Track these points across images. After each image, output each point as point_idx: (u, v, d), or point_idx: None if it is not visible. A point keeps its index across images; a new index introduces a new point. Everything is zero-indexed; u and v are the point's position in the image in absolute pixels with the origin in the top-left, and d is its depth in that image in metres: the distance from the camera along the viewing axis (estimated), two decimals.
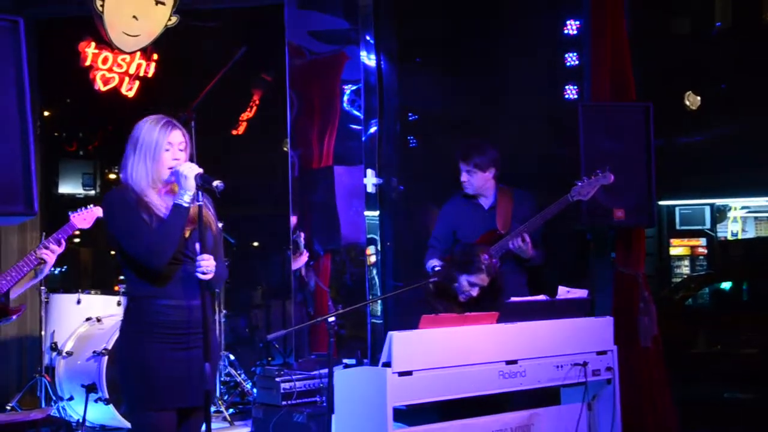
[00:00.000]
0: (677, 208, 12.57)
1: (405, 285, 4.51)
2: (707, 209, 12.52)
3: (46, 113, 8.71)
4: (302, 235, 6.54)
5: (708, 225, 12.52)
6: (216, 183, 3.25)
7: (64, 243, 3.91)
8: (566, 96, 6.63)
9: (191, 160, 3.41)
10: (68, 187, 9.59)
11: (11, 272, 3.76)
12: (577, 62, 6.28)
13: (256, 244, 8.25)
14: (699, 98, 9.86)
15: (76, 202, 8.40)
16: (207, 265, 3.27)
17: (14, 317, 3.80)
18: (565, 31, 6.53)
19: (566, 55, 6.63)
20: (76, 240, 9.72)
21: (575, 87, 6.36)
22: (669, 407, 5.30)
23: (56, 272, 10.03)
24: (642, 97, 5.45)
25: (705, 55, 9.83)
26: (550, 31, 6.53)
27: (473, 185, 5.09)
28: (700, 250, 12.61)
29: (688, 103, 9.83)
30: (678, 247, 12.66)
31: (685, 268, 12.61)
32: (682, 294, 10.52)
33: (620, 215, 5.10)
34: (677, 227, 12.63)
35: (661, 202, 12.42)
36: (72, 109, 8.75)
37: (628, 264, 5.31)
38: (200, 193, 3.31)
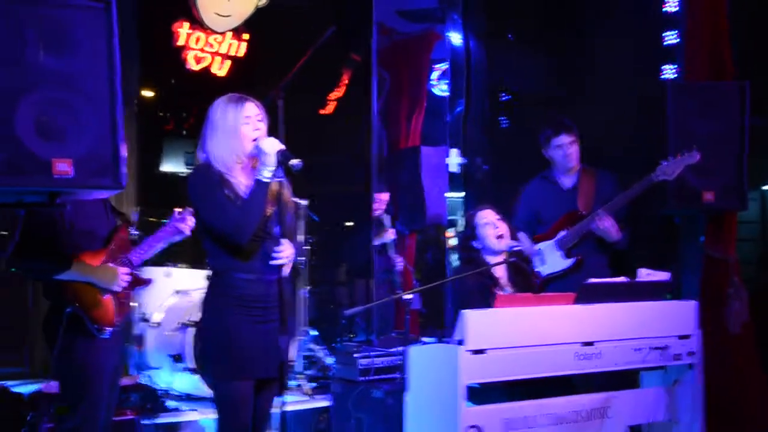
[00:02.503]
0: None
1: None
2: None
3: (148, 93, 9.00)
4: (388, 217, 6.59)
5: None
6: (294, 161, 3.33)
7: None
8: (663, 76, 6.46)
9: (277, 137, 3.49)
10: (170, 165, 9.87)
11: (150, 241, 4.00)
12: (676, 41, 6.10)
13: (349, 223, 8.35)
14: None
15: (179, 180, 8.64)
16: (284, 256, 3.36)
17: (146, 287, 4.08)
18: (664, 9, 6.35)
19: (664, 34, 6.45)
20: None
21: (674, 66, 6.18)
22: (763, 396, 5.14)
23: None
24: (745, 76, 5.24)
25: None
26: (649, 8, 6.36)
27: (576, 155, 5.04)
28: None
29: None
30: None
31: None
32: None
33: (710, 198, 4.94)
34: None
35: (765, 187, 11.96)
36: (173, 88, 9.00)
37: (718, 248, 5.16)
38: (281, 169, 3.39)
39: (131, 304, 3.97)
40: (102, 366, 3.70)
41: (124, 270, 3.81)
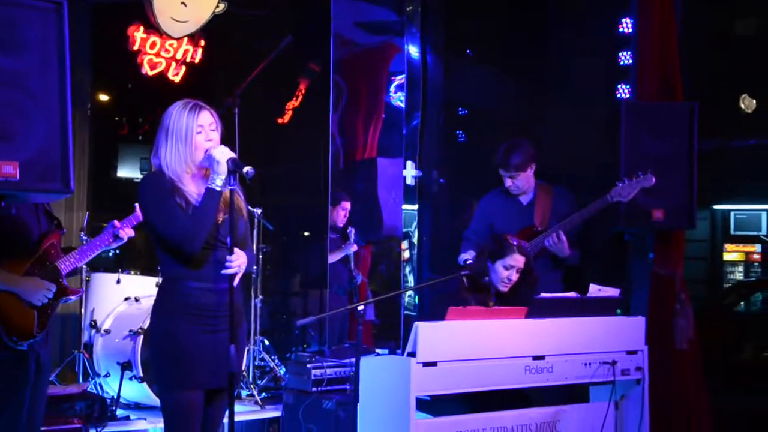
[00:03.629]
0: (732, 213, 12.35)
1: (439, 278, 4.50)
2: (764, 215, 12.27)
3: (104, 97, 8.89)
4: (353, 230, 6.59)
5: (764, 231, 12.28)
6: (247, 169, 3.29)
7: (132, 229, 4.04)
8: (618, 95, 6.56)
9: (232, 145, 3.45)
10: (126, 170, 9.77)
11: (85, 250, 3.89)
12: (630, 61, 6.19)
13: (306, 233, 8.32)
14: (754, 101, 9.64)
15: (133, 185, 8.55)
16: (236, 265, 3.33)
17: (73, 298, 3.90)
18: (620, 29, 6.44)
19: (620, 54, 6.55)
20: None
21: (628, 86, 6.28)
22: (704, 413, 5.23)
23: (110, 254, 10.24)
24: (697, 98, 5.36)
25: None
26: (606, 29, 6.45)
27: (519, 187, 5.09)
28: (755, 256, 12.39)
29: (743, 106, 9.62)
30: (732, 253, 12.46)
31: (738, 274, 12.42)
32: (731, 299, 10.35)
33: (659, 216, 5.04)
34: (732, 232, 12.41)
35: (716, 207, 12.23)
36: (128, 93, 8.92)
37: (665, 265, 5.25)
38: (232, 177, 3.36)
39: (55, 313, 3.76)
40: (18, 377, 3.53)
41: (49, 284, 3.61)
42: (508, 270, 4.35)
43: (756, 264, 12.45)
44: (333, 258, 6.59)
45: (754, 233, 12.39)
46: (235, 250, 3.35)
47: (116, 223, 3.96)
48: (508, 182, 5.09)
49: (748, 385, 7.22)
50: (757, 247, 12.43)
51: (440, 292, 4.72)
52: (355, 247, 6.58)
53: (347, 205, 6.77)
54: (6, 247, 3.53)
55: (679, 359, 5.14)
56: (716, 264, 12.65)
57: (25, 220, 3.62)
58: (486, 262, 4.41)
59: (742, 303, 10.48)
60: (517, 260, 4.35)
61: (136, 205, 4.10)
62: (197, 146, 3.37)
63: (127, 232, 3.95)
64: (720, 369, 6.86)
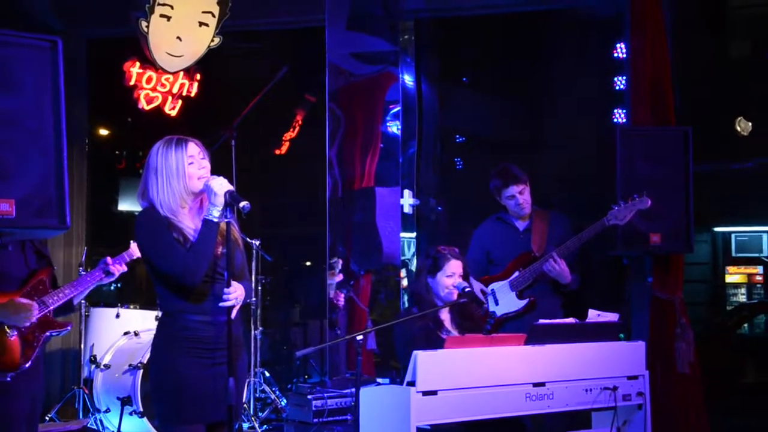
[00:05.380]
0: (733, 235, 12.33)
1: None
2: (765, 236, 12.25)
3: (102, 132, 8.94)
4: (340, 261, 6.59)
5: (765, 252, 12.25)
6: (243, 204, 3.30)
7: (125, 265, 4.06)
8: (614, 119, 6.59)
9: (229, 177, 3.46)
10: (125, 204, 9.80)
11: (75, 285, 3.89)
12: (625, 86, 6.22)
13: (308, 263, 8.33)
14: (750, 124, 9.68)
15: (132, 219, 8.59)
16: (233, 297, 3.33)
17: (60, 332, 3.88)
18: (615, 54, 6.48)
19: (615, 79, 6.59)
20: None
21: (624, 111, 6.31)
22: None
23: (112, 288, 10.24)
24: (694, 122, 5.39)
25: (762, 79, 9.68)
26: (601, 54, 6.50)
27: (527, 202, 5.05)
28: (757, 278, 12.35)
29: (739, 128, 9.66)
30: (734, 275, 12.42)
31: (741, 296, 12.36)
32: (734, 322, 10.32)
33: (656, 240, 5.04)
34: (733, 254, 12.39)
35: (716, 229, 12.23)
36: (125, 127, 8.98)
37: (665, 289, 5.24)
38: (229, 210, 3.37)
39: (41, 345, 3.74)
40: (7, 411, 3.54)
41: (33, 304, 3.63)
42: (451, 278, 4.33)
43: (758, 286, 12.41)
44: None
45: (756, 255, 12.36)
46: (232, 282, 3.35)
47: (108, 259, 3.99)
48: (521, 198, 5.03)
49: (751, 408, 7.17)
50: (759, 269, 12.38)
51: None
52: (340, 277, 6.57)
53: (340, 263, 6.74)
54: None
55: (680, 383, 5.11)
56: (718, 286, 12.60)
57: (11, 257, 3.63)
58: (427, 280, 4.39)
59: (745, 325, 10.44)
60: (456, 265, 4.35)
61: (132, 242, 4.12)
62: (191, 176, 3.39)
63: (118, 269, 3.96)
64: (723, 392, 6.81)
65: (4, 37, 3.05)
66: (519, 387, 3.73)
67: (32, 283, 3.68)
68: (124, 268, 4.03)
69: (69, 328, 3.92)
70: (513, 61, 7.16)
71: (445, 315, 4.42)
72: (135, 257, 4.15)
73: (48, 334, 3.73)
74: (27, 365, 3.60)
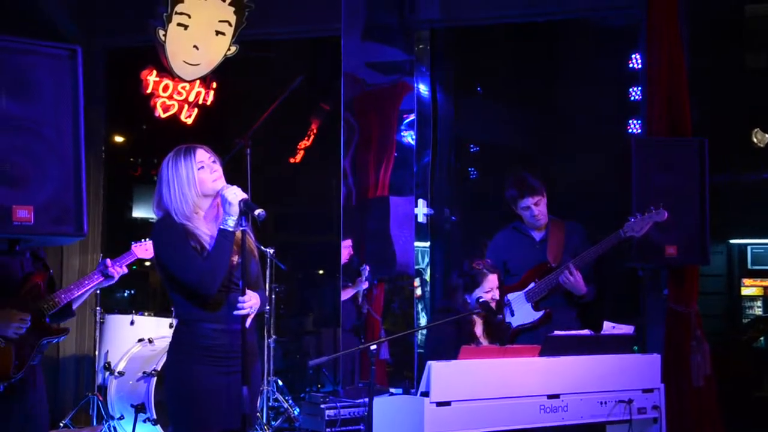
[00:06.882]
0: (749, 248, 12.25)
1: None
2: None
3: (119, 139, 8.99)
4: (367, 267, 6.59)
5: None
6: (258, 211, 3.31)
7: (125, 267, 4.05)
8: (629, 130, 6.57)
9: (245, 185, 3.47)
10: (140, 211, 9.86)
11: (72, 289, 3.87)
12: (640, 96, 6.20)
13: (321, 272, 8.33)
14: (767, 135, 9.61)
15: (148, 227, 8.63)
16: (248, 306, 3.33)
17: (60, 338, 3.84)
18: (630, 65, 6.46)
19: (630, 89, 6.57)
20: (147, 263, 9.95)
21: (639, 122, 6.29)
22: None
23: (125, 294, 10.28)
24: (709, 133, 5.36)
25: None
26: (616, 65, 6.49)
27: (543, 213, 5.03)
28: None
29: (755, 140, 9.60)
30: (750, 287, 12.32)
31: (757, 309, 12.27)
32: (750, 335, 10.25)
33: (672, 252, 5.01)
34: (749, 266, 12.31)
35: (732, 241, 12.16)
36: (142, 135, 9.04)
37: (680, 301, 5.21)
38: (244, 218, 3.38)
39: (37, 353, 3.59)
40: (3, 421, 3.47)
41: (23, 315, 3.49)
42: (489, 292, 4.41)
43: None
44: (345, 296, 6.58)
45: None
46: (247, 291, 3.36)
47: (108, 261, 3.96)
48: (536, 210, 5.01)
49: (766, 422, 7.11)
50: None
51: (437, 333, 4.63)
52: (366, 285, 6.57)
53: (348, 243, 6.75)
54: None
55: (695, 396, 5.07)
56: (734, 299, 12.51)
57: (4, 262, 3.55)
58: (465, 297, 4.43)
59: (761, 338, 10.37)
60: (494, 279, 4.43)
61: (132, 243, 4.13)
62: (202, 181, 3.41)
63: (117, 271, 3.94)
64: (739, 405, 6.76)
65: (24, 46, 3.08)
66: (533, 399, 3.72)
67: (26, 288, 3.61)
68: (125, 270, 4.00)
69: (67, 333, 3.83)
70: (528, 71, 7.15)
71: (478, 328, 4.44)
72: (136, 258, 4.16)
73: (44, 341, 3.63)
74: (20, 375, 3.49)
